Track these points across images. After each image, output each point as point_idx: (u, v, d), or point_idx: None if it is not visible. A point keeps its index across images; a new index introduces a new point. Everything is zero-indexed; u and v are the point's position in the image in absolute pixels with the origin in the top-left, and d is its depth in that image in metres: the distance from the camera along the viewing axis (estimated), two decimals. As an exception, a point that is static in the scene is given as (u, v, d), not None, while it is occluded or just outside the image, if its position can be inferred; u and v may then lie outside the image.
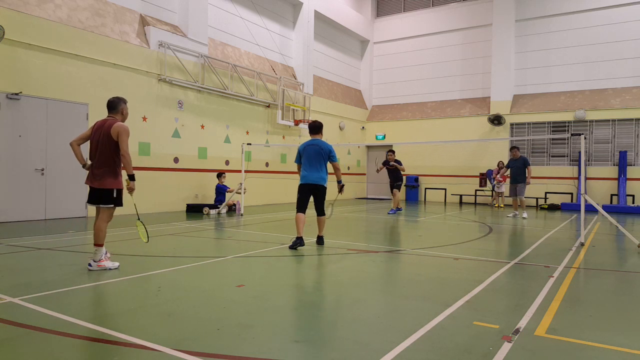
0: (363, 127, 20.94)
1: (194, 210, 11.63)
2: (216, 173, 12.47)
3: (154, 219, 10.13)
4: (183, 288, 4.34)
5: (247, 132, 14.50)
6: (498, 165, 15.83)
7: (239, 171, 12.52)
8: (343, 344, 2.97)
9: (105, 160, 4.96)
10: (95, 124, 5.15)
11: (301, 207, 6.78)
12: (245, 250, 6.46)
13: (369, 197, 20.90)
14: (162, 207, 11.71)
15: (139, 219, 5.53)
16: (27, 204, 9.21)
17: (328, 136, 18.14)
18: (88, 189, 5.12)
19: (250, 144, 12.66)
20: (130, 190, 5.06)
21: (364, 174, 21.06)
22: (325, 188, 6.81)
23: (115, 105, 5.15)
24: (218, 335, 3.09)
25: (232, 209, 11.98)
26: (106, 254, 5.08)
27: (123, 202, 5.17)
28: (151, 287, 4.34)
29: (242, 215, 11.33)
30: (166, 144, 11.86)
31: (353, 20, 19.95)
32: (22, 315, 3.44)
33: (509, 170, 12.58)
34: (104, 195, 4.99)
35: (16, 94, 8.92)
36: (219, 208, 11.61)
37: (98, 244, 4.95)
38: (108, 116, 5.16)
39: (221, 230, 8.89)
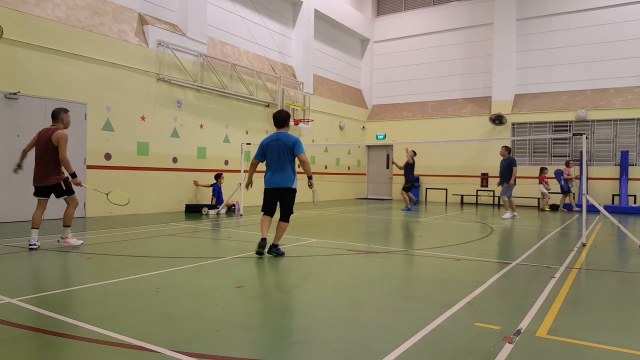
0: (363, 127, 20.90)
1: (193, 211, 11.60)
2: (214, 174, 12.48)
3: (152, 219, 10.11)
4: (182, 289, 4.31)
5: (247, 132, 14.47)
6: (567, 165, 15.07)
7: (238, 171, 12.48)
8: (343, 345, 2.94)
9: (49, 162, 5.89)
10: (39, 132, 6.08)
11: (266, 210, 5.99)
12: (244, 250, 6.42)
13: (369, 197, 20.88)
14: (160, 208, 11.67)
15: (107, 193, 6.91)
16: (25, 204, 9.14)
17: (328, 135, 18.18)
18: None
19: (249, 144, 12.61)
20: (77, 184, 6.13)
21: (364, 174, 21.03)
22: (294, 191, 5.89)
23: (55, 116, 6.11)
24: (217, 337, 3.06)
25: (231, 209, 11.95)
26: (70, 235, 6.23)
27: (73, 191, 6.22)
28: (150, 288, 4.31)
29: (241, 215, 11.30)
30: (165, 143, 11.83)
31: (353, 19, 19.91)
32: (21, 316, 3.41)
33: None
34: (55, 190, 5.99)
35: (14, 94, 8.89)
36: (218, 208, 11.58)
37: (66, 225, 6.12)
38: (52, 125, 6.09)
39: (220, 230, 8.86)
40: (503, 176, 12.12)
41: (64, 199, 6.00)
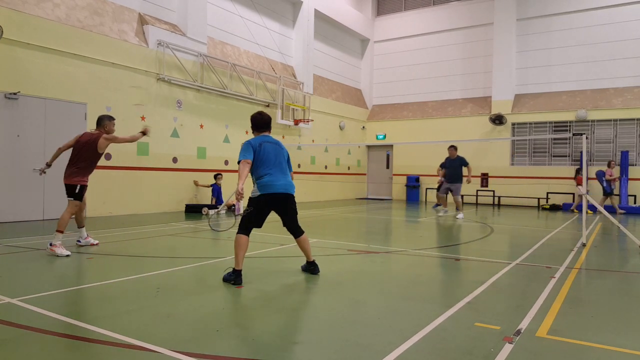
0: (363, 127, 20.90)
1: (193, 211, 11.60)
2: (213, 174, 12.50)
3: (152, 219, 10.11)
4: (182, 289, 4.31)
5: (247, 132, 14.46)
6: (609, 165, 14.28)
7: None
8: (343, 345, 2.94)
9: (80, 163, 6.01)
10: (81, 135, 6.24)
11: (249, 226, 4.83)
12: (244, 250, 6.41)
13: (369, 197, 20.87)
14: (160, 208, 11.67)
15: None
16: (25, 204, 9.17)
17: (328, 135, 18.17)
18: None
19: (250, 144, 12.60)
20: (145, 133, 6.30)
21: (364, 174, 21.03)
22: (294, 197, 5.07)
23: (99, 122, 6.27)
24: (217, 337, 3.06)
25: (231, 209, 11.95)
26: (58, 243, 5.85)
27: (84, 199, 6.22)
28: (150, 288, 4.31)
29: (241, 215, 11.28)
30: (165, 143, 11.82)
31: (353, 19, 19.91)
32: (21, 316, 3.41)
33: (443, 170, 12.23)
34: (69, 188, 6.01)
35: (14, 94, 8.88)
36: (218, 208, 11.58)
37: (58, 230, 5.82)
38: (95, 130, 6.28)
39: (220, 230, 8.85)
40: (455, 175, 11.78)
41: (68, 200, 6.05)
